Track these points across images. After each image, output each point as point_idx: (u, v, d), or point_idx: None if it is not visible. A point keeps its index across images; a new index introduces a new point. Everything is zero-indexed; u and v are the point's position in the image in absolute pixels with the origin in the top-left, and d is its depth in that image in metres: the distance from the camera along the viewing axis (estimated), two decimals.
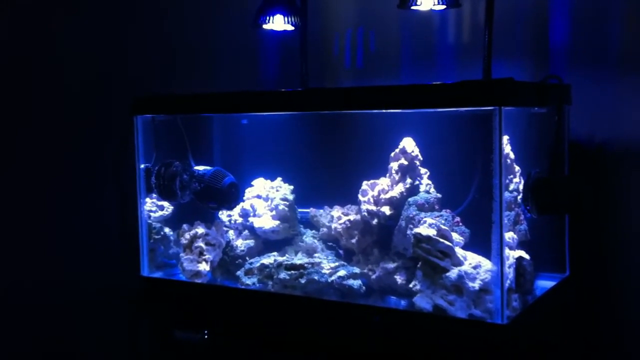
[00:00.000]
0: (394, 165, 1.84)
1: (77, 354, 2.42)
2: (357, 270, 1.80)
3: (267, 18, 2.01)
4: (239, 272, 1.91)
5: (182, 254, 1.97)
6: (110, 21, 2.39)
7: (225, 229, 2.04)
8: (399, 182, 1.82)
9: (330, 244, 1.99)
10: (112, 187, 1.99)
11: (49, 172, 2.30)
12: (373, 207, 1.83)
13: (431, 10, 1.90)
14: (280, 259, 1.88)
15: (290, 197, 2.04)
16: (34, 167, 2.28)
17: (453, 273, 1.57)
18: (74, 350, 2.41)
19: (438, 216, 1.71)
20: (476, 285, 1.56)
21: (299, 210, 2.06)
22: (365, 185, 1.87)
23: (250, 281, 1.86)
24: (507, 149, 1.73)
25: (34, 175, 2.27)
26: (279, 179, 2.11)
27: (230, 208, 2.02)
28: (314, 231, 2.03)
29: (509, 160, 1.75)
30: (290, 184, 2.08)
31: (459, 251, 1.62)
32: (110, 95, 2.37)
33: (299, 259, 1.86)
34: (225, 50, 2.43)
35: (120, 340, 2.20)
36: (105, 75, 2.39)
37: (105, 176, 2.13)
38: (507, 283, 1.57)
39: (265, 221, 2.03)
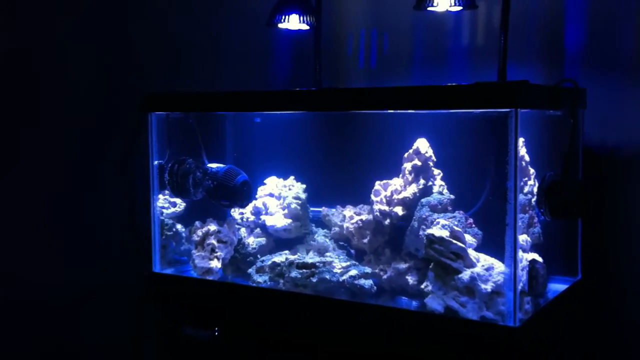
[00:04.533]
0: (407, 166, 1.84)
1: (85, 350, 2.42)
2: (368, 270, 1.80)
3: (283, 17, 2.01)
4: (250, 270, 1.91)
5: (193, 251, 1.97)
6: (117, 20, 2.40)
7: (237, 226, 2.04)
8: (412, 182, 1.82)
9: (341, 243, 1.99)
10: (120, 183, 1.99)
11: (53, 171, 2.31)
12: (385, 207, 1.83)
13: (446, 11, 1.90)
14: (291, 257, 1.88)
15: (303, 195, 2.04)
16: (38, 166, 2.28)
17: (465, 275, 1.57)
18: (83, 346, 2.41)
19: (451, 217, 1.71)
20: (488, 287, 1.56)
21: (311, 209, 2.06)
22: (378, 185, 1.87)
23: (261, 279, 1.86)
24: (522, 151, 1.73)
25: (39, 174, 2.28)
26: (292, 177, 2.11)
27: (243, 206, 2.03)
28: (325, 230, 2.04)
29: (523, 163, 1.75)
30: (302, 183, 2.09)
31: (472, 253, 1.62)
32: (116, 93, 2.37)
33: (311, 258, 1.86)
34: (236, 49, 2.44)
35: (130, 337, 2.20)
36: (111, 73, 2.39)
37: (113, 173, 2.14)
38: (520, 286, 1.57)
39: (277, 219, 2.03)
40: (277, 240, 2.05)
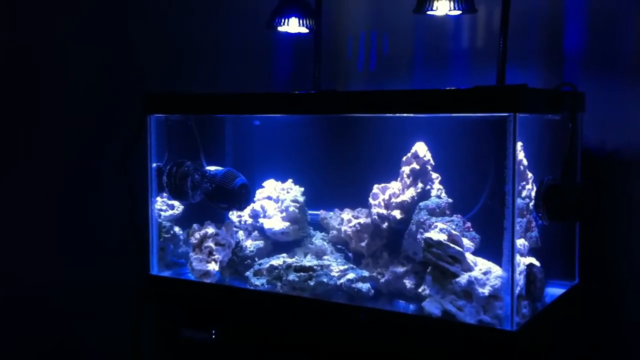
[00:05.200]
0: (406, 170, 1.84)
1: (84, 350, 2.43)
2: (366, 273, 1.80)
3: (282, 20, 2.00)
4: (247, 273, 1.91)
5: (191, 254, 1.97)
6: (117, 20, 2.40)
7: (235, 229, 2.04)
8: (410, 186, 1.82)
9: (339, 246, 1.98)
10: (120, 184, 1.99)
11: (53, 171, 2.31)
12: (384, 211, 1.83)
13: (446, 15, 1.89)
14: (289, 260, 1.88)
15: (301, 199, 2.04)
16: (38, 166, 2.29)
17: (463, 278, 1.57)
18: (82, 346, 2.42)
19: (449, 221, 1.71)
20: (486, 291, 1.56)
21: (309, 212, 2.06)
22: (376, 188, 1.87)
23: (259, 282, 1.86)
24: (521, 155, 1.73)
25: (39, 174, 2.29)
26: (290, 180, 2.11)
27: (241, 209, 2.03)
28: (323, 233, 2.04)
29: (522, 167, 1.75)
30: (301, 186, 2.08)
31: (469, 257, 1.62)
32: (116, 93, 2.38)
33: (308, 261, 1.86)
34: (236, 50, 2.44)
35: (128, 339, 2.20)
36: (111, 73, 2.40)
37: (112, 173, 2.14)
38: (517, 290, 1.57)
39: (275, 222, 2.03)
40: (275, 243, 2.05)
